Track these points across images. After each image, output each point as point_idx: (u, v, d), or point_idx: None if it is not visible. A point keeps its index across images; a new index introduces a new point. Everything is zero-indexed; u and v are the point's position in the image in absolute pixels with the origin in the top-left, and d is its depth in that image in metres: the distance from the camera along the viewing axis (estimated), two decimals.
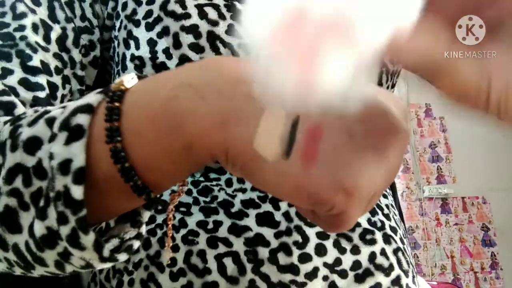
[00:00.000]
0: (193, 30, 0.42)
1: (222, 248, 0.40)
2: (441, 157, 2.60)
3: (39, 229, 0.26)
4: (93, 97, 0.26)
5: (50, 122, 0.26)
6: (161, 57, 0.42)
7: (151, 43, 0.43)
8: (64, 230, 0.25)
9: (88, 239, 0.25)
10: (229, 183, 0.43)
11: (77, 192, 0.24)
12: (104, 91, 0.27)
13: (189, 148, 0.25)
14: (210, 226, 0.41)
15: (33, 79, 0.39)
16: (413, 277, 0.44)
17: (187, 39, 0.42)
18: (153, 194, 0.27)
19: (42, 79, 0.39)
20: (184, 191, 0.31)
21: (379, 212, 0.45)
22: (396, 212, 0.50)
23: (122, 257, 0.29)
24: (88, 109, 0.25)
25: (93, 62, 0.48)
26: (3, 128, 0.29)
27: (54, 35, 0.43)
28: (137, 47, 0.44)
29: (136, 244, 0.30)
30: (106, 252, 0.27)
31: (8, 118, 0.32)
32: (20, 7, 0.42)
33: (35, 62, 0.40)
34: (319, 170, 0.22)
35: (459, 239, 2.50)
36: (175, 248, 0.41)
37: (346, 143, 0.23)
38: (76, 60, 0.45)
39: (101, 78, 0.49)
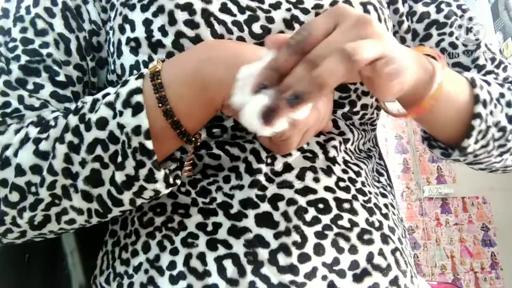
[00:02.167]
0: (188, 7, 0.44)
1: (221, 250, 0.40)
2: None
3: (120, 178, 0.38)
4: (138, 82, 0.38)
5: (110, 105, 0.38)
6: (157, 35, 0.43)
7: (147, 22, 0.44)
8: (143, 172, 0.38)
9: (161, 173, 0.38)
10: (227, 179, 0.44)
11: (149, 144, 0.37)
12: (140, 76, 0.38)
13: (212, 101, 0.39)
14: (210, 228, 0.41)
15: (61, 92, 0.45)
16: (412, 277, 0.44)
17: (182, 16, 0.43)
18: (191, 137, 0.40)
19: (68, 92, 0.46)
20: (200, 136, 0.43)
21: (377, 212, 0.45)
22: (396, 212, 0.50)
23: (178, 181, 0.41)
24: (139, 90, 0.38)
25: (99, 63, 0.49)
26: (67, 119, 0.40)
27: (73, 47, 0.47)
28: (133, 29, 0.45)
29: (179, 172, 0.43)
30: (171, 179, 0.40)
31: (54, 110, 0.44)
32: (40, 23, 0.46)
33: (61, 77, 0.46)
34: None
35: (459, 239, 2.50)
36: (175, 252, 0.42)
37: None
38: (89, 66, 0.48)
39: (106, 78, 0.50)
